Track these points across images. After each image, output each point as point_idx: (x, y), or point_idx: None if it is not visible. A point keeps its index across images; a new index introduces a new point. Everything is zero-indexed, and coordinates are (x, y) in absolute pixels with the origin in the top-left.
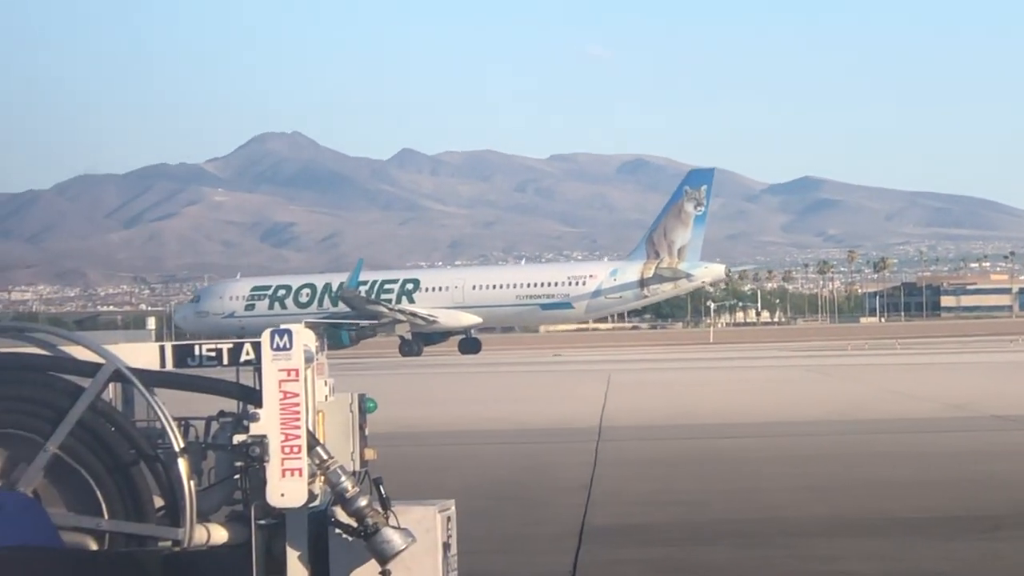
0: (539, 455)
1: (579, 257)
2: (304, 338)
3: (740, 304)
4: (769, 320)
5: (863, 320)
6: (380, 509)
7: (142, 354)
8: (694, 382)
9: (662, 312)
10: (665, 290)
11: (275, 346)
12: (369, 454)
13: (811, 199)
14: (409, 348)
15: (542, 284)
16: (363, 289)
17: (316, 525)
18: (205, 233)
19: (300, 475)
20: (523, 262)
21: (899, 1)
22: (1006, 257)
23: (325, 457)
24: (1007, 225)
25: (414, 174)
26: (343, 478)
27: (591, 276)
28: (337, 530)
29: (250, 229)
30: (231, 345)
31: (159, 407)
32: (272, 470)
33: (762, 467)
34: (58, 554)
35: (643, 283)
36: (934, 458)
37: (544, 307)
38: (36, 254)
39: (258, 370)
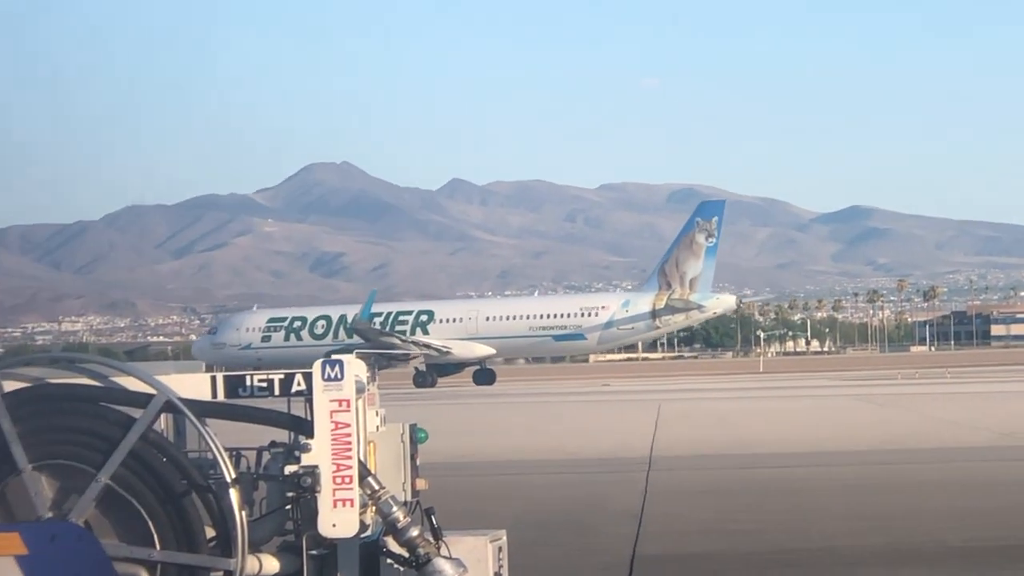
0: (590, 485)
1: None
2: (355, 368)
3: (790, 333)
4: (819, 349)
5: (913, 349)
6: (432, 539)
7: (193, 384)
8: (745, 411)
9: (712, 341)
10: (677, 321)
11: (326, 376)
12: (420, 484)
13: (861, 228)
14: (423, 379)
15: (555, 315)
16: (378, 321)
17: (368, 555)
18: (255, 263)
19: (351, 505)
20: (535, 293)
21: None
22: None
23: (376, 487)
24: None
25: (464, 204)
26: (394, 508)
27: (603, 307)
28: (389, 560)
29: (299, 259)
30: (282, 376)
31: (211, 437)
32: (323, 500)
33: (814, 496)
34: None
35: (655, 314)
36: (986, 487)
37: (557, 338)
38: (86, 285)
39: (309, 400)
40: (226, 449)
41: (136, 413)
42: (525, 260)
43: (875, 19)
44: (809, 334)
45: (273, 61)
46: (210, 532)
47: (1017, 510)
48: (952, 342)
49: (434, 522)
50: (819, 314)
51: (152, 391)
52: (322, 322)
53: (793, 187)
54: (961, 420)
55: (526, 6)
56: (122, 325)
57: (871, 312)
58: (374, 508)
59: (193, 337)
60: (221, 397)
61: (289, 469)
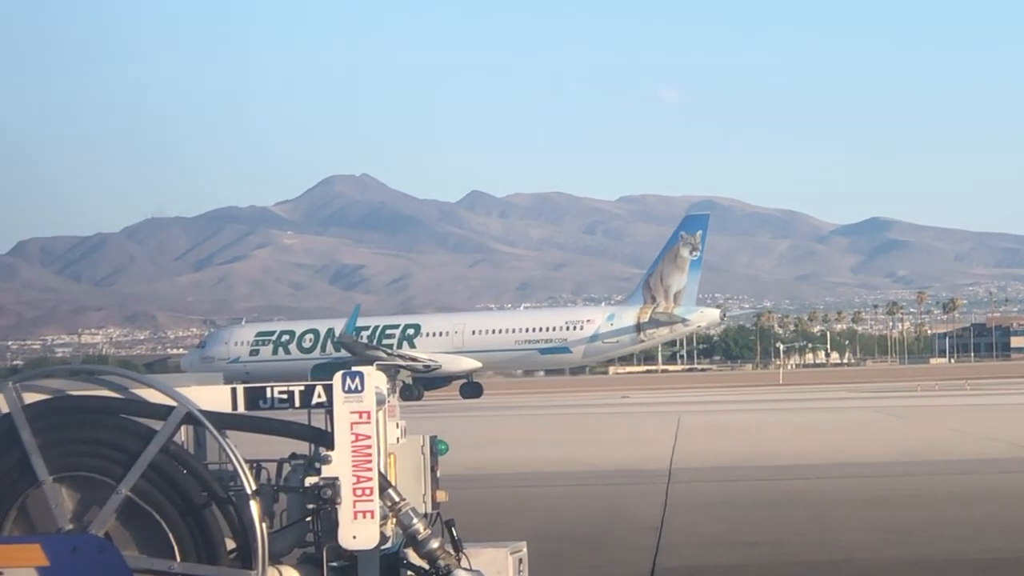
0: (609, 497)
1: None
2: (376, 380)
3: (809, 345)
4: (838, 361)
5: (932, 361)
6: (452, 551)
7: (213, 396)
8: (764, 423)
9: (731, 354)
10: (661, 334)
11: (347, 388)
12: (441, 496)
13: (880, 240)
14: (409, 392)
15: (541, 329)
16: (365, 334)
17: (388, 567)
18: (274, 276)
19: (372, 517)
20: (522, 307)
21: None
22: None
23: (397, 499)
24: None
25: (483, 216)
26: (415, 520)
27: (588, 321)
28: (409, 572)
29: (319, 271)
30: (303, 387)
31: (231, 449)
32: (344, 512)
33: (834, 509)
34: None
35: (639, 327)
36: (1006, 499)
37: (542, 351)
38: (106, 297)
39: (330, 412)
40: (246, 461)
41: (156, 425)
42: (545, 272)
43: (894, 31)
44: (829, 346)
45: (293, 74)
46: (230, 544)
47: None
48: (972, 354)
49: (454, 534)
50: (839, 326)
51: (172, 403)
52: (310, 336)
53: (813, 199)
54: (981, 432)
55: (545, 20)
56: (142, 337)
57: (891, 324)
58: (394, 520)
59: None
60: (241, 409)
61: (309, 481)
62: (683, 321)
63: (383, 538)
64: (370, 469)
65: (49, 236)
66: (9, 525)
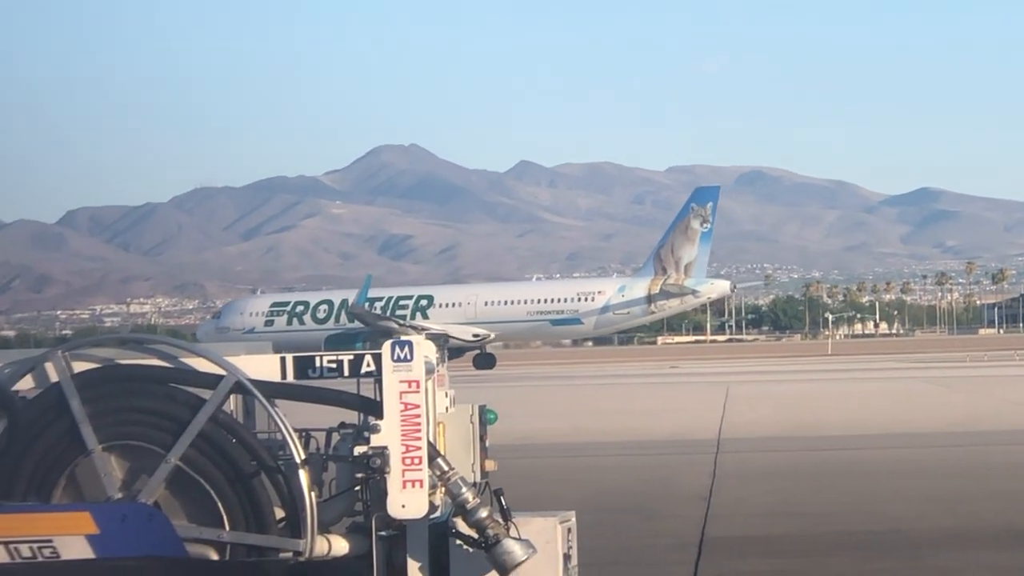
0: (658, 467)
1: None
2: (425, 349)
3: (858, 316)
4: (887, 332)
5: (981, 331)
6: (501, 520)
7: (263, 366)
8: (813, 394)
9: (780, 324)
10: (672, 306)
11: (396, 357)
12: (489, 465)
13: (929, 210)
14: None
15: (552, 300)
16: (378, 305)
17: (437, 536)
18: (323, 245)
19: (421, 486)
20: (534, 279)
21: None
22: None
23: (446, 468)
24: None
25: (532, 186)
26: (464, 489)
27: (600, 292)
28: (458, 541)
29: (367, 241)
30: (351, 357)
31: (280, 418)
32: (393, 481)
33: (883, 479)
34: (185, 564)
35: (650, 299)
36: None
37: (554, 323)
38: (154, 267)
39: (379, 381)
40: (295, 430)
41: (205, 394)
42: (593, 242)
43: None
44: (877, 316)
45: (342, 43)
46: (279, 513)
47: None
48: (1021, 324)
49: (503, 503)
50: (887, 296)
51: (222, 372)
52: (324, 306)
53: (862, 169)
54: None
55: None
56: (190, 307)
57: (939, 294)
58: (443, 489)
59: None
60: (290, 378)
61: (358, 450)
62: (693, 293)
63: (432, 507)
64: (419, 438)
65: (98, 206)
66: (58, 493)
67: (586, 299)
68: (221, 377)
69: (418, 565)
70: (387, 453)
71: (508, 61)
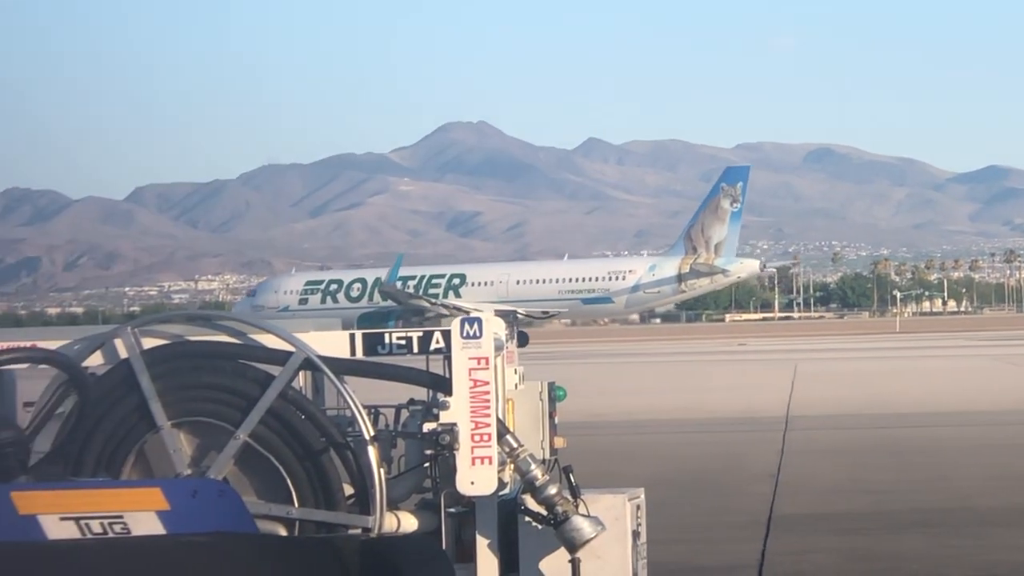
0: (726, 444)
1: (765, 247)
2: (494, 326)
3: (926, 294)
4: (955, 310)
5: None
6: (570, 497)
7: (332, 342)
8: (881, 371)
9: (848, 301)
10: (702, 285)
11: (465, 334)
12: (558, 442)
13: (998, 188)
14: None
15: (583, 279)
16: (411, 284)
17: (506, 513)
18: (391, 222)
19: (490, 463)
20: (566, 257)
21: None
22: None
23: (515, 445)
24: None
25: (600, 163)
26: (533, 466)
27: (630, 271)
28: (527, 518)
29: (435, 218)
30: (421, 333)
31: (349, 395)
32: (462, 458)
33: (952, 456)
34: (256, 540)
35: (680, 278)
36: None
37: (585, 301)
38: (222, 244)
39: (448, 358)
40: (365, 406)
41: (274, 371)
42: (661, 219)
43: None
44: (946, 294)
45: (409, 20)
46: (348, 490)
47: None
48: None
49: (572, 480)
50: (956, 274)
51: (291, 348)
52: (358, 285)
53: (930, 146)
54: None
55: None
56: (258, 284)
57: (1008, 272)
58: (512, 466)
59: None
60: (360, 354)
61: (428, 427)
62: (723, 272)
63: (501, 484)
64: (488, 415)
65: (166, 183)
66: (128, 470)
67: (617, 278)
68: (290, 354)
69: (487, 542)
70: (456, 430)
71: (576, 38)
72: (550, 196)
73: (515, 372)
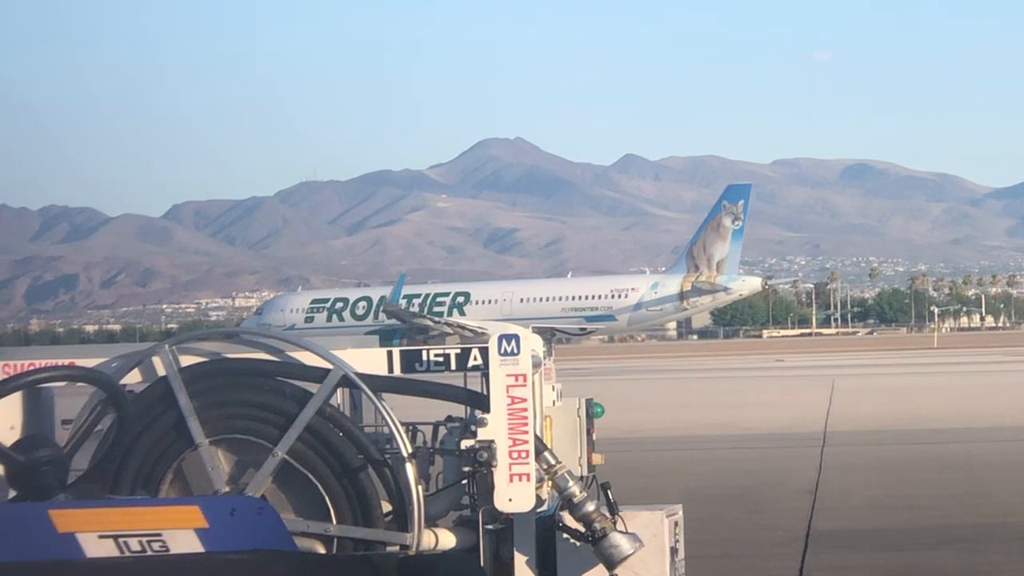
0: (764, 460)
1: (802, 263)
2: (531, 343)
3: (964, 309)
4: (993, 325)
5: None
6: (608, 514)
7: (370, 359)
8: (919, 387)
9: (886, 317)
10: (704, 303)
11: (503, 351)
12: (596, 459)
13: None
14: None
15: (587, 297)
16: (416, 302)
17: (544, 530)
18: (428, 239)
19: (528, 480)
20: (569, 275)
21: None
22: None
23: (553, 462)
24: None
25: (637, 179)
26: (571, 483)
27: (633, 289)
28: (565, 535)
29: (473, 235)
30: (459, 350)
31: (387, 412)
32: (500, 475)
33: (991, 472)
34: (294, 558)
35: (683, 296)
36: None
37: (589, 319)
38: (259, 260)
39: (485, 375)
40: (402, 423)
41: (312, 388)
42: None
43: None
44: (983, 310)
45: (446, 37)
46: (386, 507)
47: None
48: None
49: (610, 496)
50: (993, 289)
51: (328, 366)
52: (363, 303)
53: (967, 162)
54: None
55: None
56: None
57: None
58: (550, 483)
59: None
60: (397, 371)
61: (465, 443)
62: (725, 289)
63: (539, 501)
64: (526, 432)
65: (203, 200)
66: (166, 487)
67: (619, 296)
68: (328, 371)
69: (525, 559)
70: (494, 447)
71: (612, 54)
72: (587, 212)
73: (553, 389)
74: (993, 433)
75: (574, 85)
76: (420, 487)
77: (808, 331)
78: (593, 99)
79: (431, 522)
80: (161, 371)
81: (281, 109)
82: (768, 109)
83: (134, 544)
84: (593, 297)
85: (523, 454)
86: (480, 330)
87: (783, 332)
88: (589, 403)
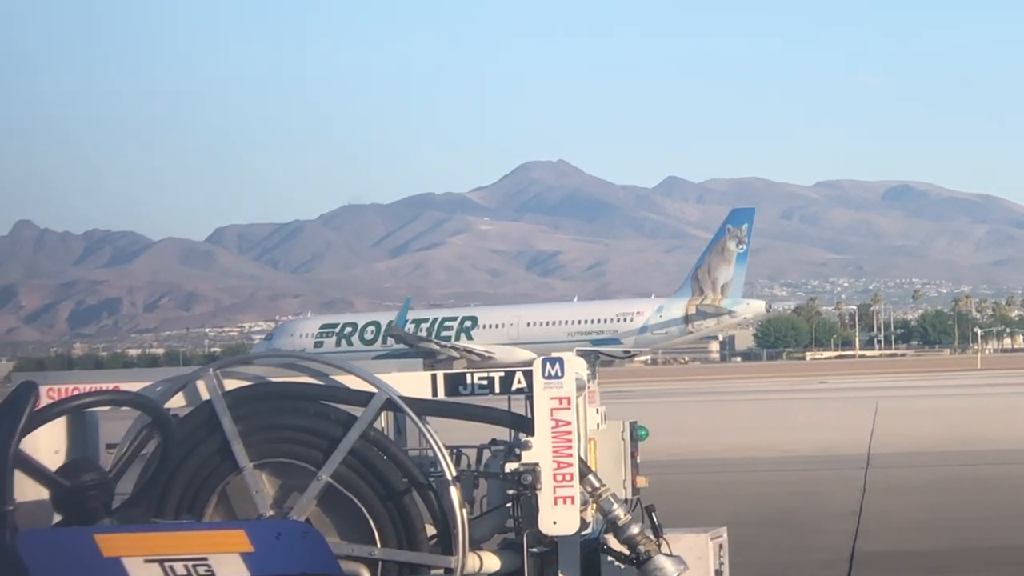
0: (808, 482)
1: (845, 284)
2: (576, 366)
3: (1008, 330)
4: None
5: None
6: (652, 537)
7: (414, 383)
8: (963, 408)
9: (929, 338)
10: (708, 326)
11: (547, 374)
12: (641, 481)
13: None
14: None
15: (593, 321)
16: (424, 327)
17: (588, 553)
18: (471, 262)
19: (572, 503)
20: (575, 299)
21: None
22: None
23: (597, 485)
24: None
25: (680, 202)
26: (615, 506)
27: (638, 313)
28: (609, 558)
29: (515, 258)
30: (503, 373)
31: (431, 435)
32: (544, 498)
33: None
34: None
35: (687, 319)
36: None
37: (594, 343)
38: (302, 284)
39: (530, 398)
40: (447, 447)
41: (356, 411)
42: None
43: None
44: None
45: (489, 60)
46: (430, 530)
47: None
48: None
49: (655, 519)
50: None
51: (373, 389)
52: (371, 328)
53: (1010, 183)
54: None
55: (740, 3)
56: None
57: None
58: (595, 506)
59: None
60: (441, 395)
61: (510, 467)
62: (729, 313)
63: (583, 524)
64: (570, 455)
65: (246, 223)
66: (209, 511)
67: (625, 320)
68: (372, 394)
69: None
70: (538, 470)
71: (655, 76)
72: (630, 235)
73: (597, 412)
74: None
75: (617, 107)
76: (464, 510)
77: (851, 353)
78: (636, 121)
79: (475, 545)
80: (205, 395)
81: (324, 133)
82: (811, 131)
83: (179, 568)
84: (599, 321)
85: (567, 477)
86: (487, 354)
87: (825, 354)
88: (633, 426)
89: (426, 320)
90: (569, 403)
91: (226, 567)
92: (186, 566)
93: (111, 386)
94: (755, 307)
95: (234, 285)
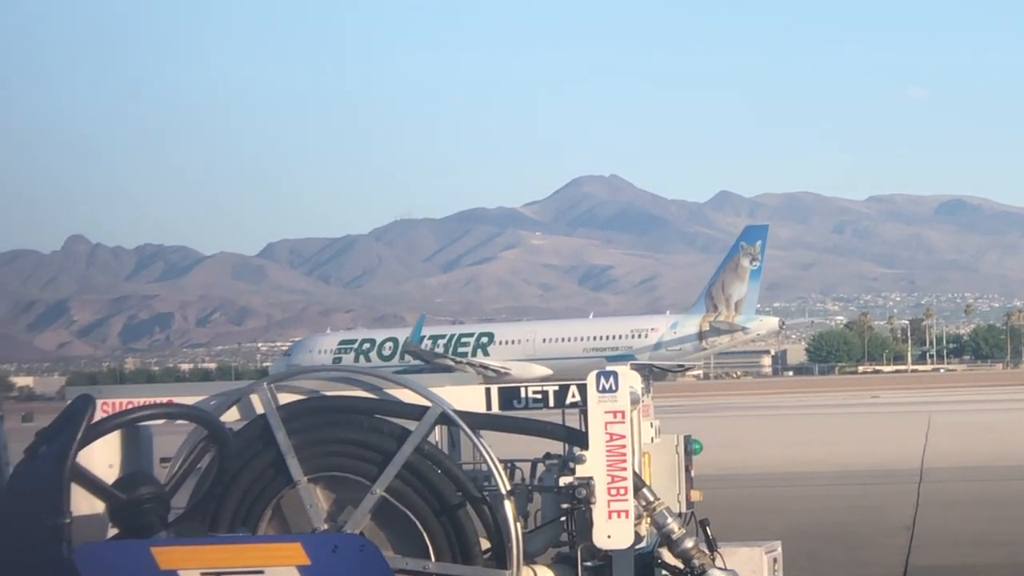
0: (861, 496)
1: (897, 299)
2: (630, 380)
3: None
4: None
5: None
6: (707, 550)
7: (467, 396)
8: (1017, 422)
9: (981, 353)
10: (722, 342)
11: (601, 388)
12: (695, 495)
13: None
14: None
15: (608, 337)
16: (441, 343)
17: (642, 567)
18: (523, 277)
19: (627, 516)
20: (591, 316)
21: None
22: None
23: (651, 499)
24: None
25: (731, 216)
26: (669, 519)
27: (653, 329)
28: (663, 572)
29: (568, 272)
30: (557, 387)
31: (485, 449)
32: (598, 512)
33: None
34: None
35: (701, 335)
36: None
37: (609, 359)
38: (354, 299)
39: (584, 412)
40: (501, 461)
41: (410, 425)
42: (793, 272)
43: None
44: None
45: (542, 74)
46: (485, 544)
47: None
48: None
49: (709, 533)
50: None
51: (427, 403)
52: (389, 344)
53: None
54: None
55: (791, 18)
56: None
57: None
58: (649, 519)
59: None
60: (495, 409)
61: (564, 480)
62: (743, 329)
63: (638, 537)
64: (625, 469)
65: (298, 238)
66: (264, 525)
67: (640, 336)
68: (426, 408)
69: None
70: (592, 483)
71: (707, 91)
72: (682, 249)
73: (651, 426)
74: None
75: (669, 122)
76: (519, 524)
77: (903, 367)
78: (688, 136)
79: (530, 559)
80: (259, 409)
81: (376, 147)
82: (863, 145)
83: None
84: (614, 337)
85: (622, 491)
86: (503, 370)
87: (878, 368)
88: (687, 440)
89: (443, 336)
90: (623, 417)
91: None
92: None
93: (165, 400)
94: (768, 323)
95: (286, 300)
